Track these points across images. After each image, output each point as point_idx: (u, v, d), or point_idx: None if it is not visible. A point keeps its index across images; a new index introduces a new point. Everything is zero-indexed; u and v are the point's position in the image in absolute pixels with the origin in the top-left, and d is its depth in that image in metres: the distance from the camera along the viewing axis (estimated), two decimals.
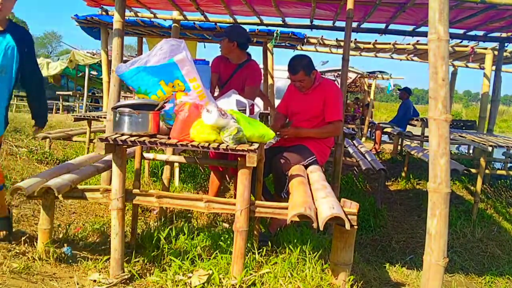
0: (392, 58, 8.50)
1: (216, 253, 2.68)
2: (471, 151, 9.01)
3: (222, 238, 2.97)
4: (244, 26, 4.83)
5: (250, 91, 3.65)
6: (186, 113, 2.35)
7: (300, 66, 3.32)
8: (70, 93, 16.88)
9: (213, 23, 5.44)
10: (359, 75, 13.49)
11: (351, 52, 5.81)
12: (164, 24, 5.77)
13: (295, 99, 3.50)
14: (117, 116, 2.39)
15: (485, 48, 6.57)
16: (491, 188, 5.90)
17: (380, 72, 12.70)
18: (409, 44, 6.83)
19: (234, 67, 3.76)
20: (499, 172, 5.64)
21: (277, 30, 5.61)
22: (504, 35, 5.47)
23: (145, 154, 3.30)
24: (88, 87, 13.44)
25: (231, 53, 3.73)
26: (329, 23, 5.15)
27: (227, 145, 2.28)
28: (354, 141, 7.01)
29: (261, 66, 5.64)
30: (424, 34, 4.98)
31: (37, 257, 2.55)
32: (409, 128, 9.37)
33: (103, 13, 5.46)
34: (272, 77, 6.76)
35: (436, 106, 1.91)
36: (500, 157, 7.27)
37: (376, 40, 7.09)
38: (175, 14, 5.11)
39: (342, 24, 4.54)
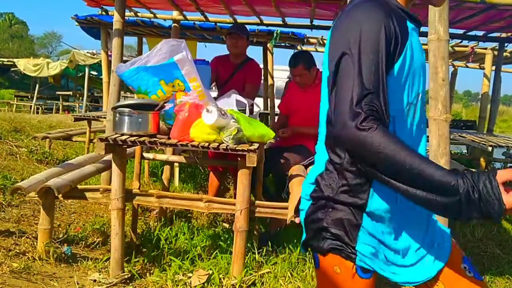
0: None
1: (216, 253, 2.68)
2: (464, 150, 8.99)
3: (222, 238, 2.98)
4: None
5: (251, 89, 3.65)
6: (186, 113, 2.35)
7: (300, 59, 3.36)
8: (70, 93, 16.90)
9: (213, 23, 5.45)
10: None
11: None
12: (164, 24, 5.76)
13: (295, 98, 3.51)
14: (117, 116, 2.39)
15: (485, 48, 6.56)
16: None
17: None
18: None
19: (234, 67, 3.76)
20: None
21: (277, 30, 5.60)
22: (504, 35, 5.46)
23: (145, 154, 3.30)
24: (88, 87, 13.45)
25: (244, 51, 3.76)
26: (329, 23, 5.15)
27: (227, 145, 2.28)
28: None
29: (261, 66, 5.64)
30: (424, 34, 4.97)
31: (37, 257, 2.55)
32: None
33: (103, 13, 5.45)
34: (272, 77, 6.75)
35: (436, 106, 1.91)
36: (500, 157, 7.27)
37: None
38: (175, 14, 5.11)
39: None
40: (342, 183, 1.07)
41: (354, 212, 1.06)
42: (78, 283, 2.40)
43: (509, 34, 5.38)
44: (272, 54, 6.71)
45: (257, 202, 2.54)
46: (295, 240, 2.92)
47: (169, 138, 2.40)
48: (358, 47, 0.99)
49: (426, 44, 2.12)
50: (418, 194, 0.91)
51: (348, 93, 0.97)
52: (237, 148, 2.27)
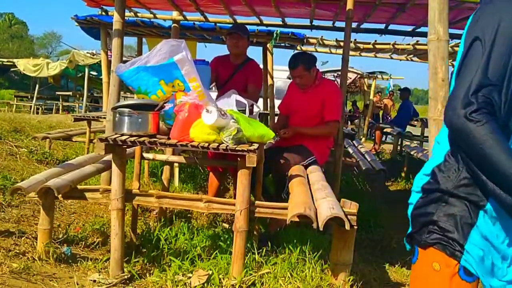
0: (392, 58, 8.50)
1: (216, 253, 2.68)
2: None
3: (222, 238, 2.97)
4: None
5: (254, 90, 3.65)
6: (186, 113, 2.35)
7: (299, 60, 3.36)
8: (70, 93, 16.92)
9: (213, 23, 5.45)
10: (358, 76, 13.49)
11: (351, 53, 5.81)
12: (164, 25, 5.77)
13: (295, 98, 3.51)
14: (117, 116, 2.39)
15: None
16: None
17: (380, 72, 12.71)
18: (408, 44, 6.82)
19: (234, 67, 3.76)
20: None
21: (277, 30, 5.60)
22: None
23: (145, 154, 3.30)
24: (88, 87, 13.46)
25: (244, 51, 3.76)
26: (329, 23, 5.15)
27: (227, 145, 2.28)
28: (354, 141, 7.01)
29: (261, 66, 5.64)
30: (424, 35, 4.97)
31: (37, 257, 2.55)
32: (408, 128, 9.38)
33: (103, 13, 5.45)
34: (272, 77, 6.76)
35: (436, 106, 1.91)
36: None
37: (376, 41, 7.08)
38: (175, 15, 5.11)
39: (342, 24, 4.53)
40: (463, 176, 0.99)
41: (470, 209, 0.98)
42: (78, 284, 2.40)
43: None
44: (272, 54, 6.72)
45: (257, 202, 2.54)
46: (295, 240, 2.92)
47: (169, 138, 2.40)
48: (494, 35, 0.93)
49: (425, 44, 2.12)
50: (505, 200, 0.89)
51: (469, 79, 0.93)
52: (237, 148, 2.27)
